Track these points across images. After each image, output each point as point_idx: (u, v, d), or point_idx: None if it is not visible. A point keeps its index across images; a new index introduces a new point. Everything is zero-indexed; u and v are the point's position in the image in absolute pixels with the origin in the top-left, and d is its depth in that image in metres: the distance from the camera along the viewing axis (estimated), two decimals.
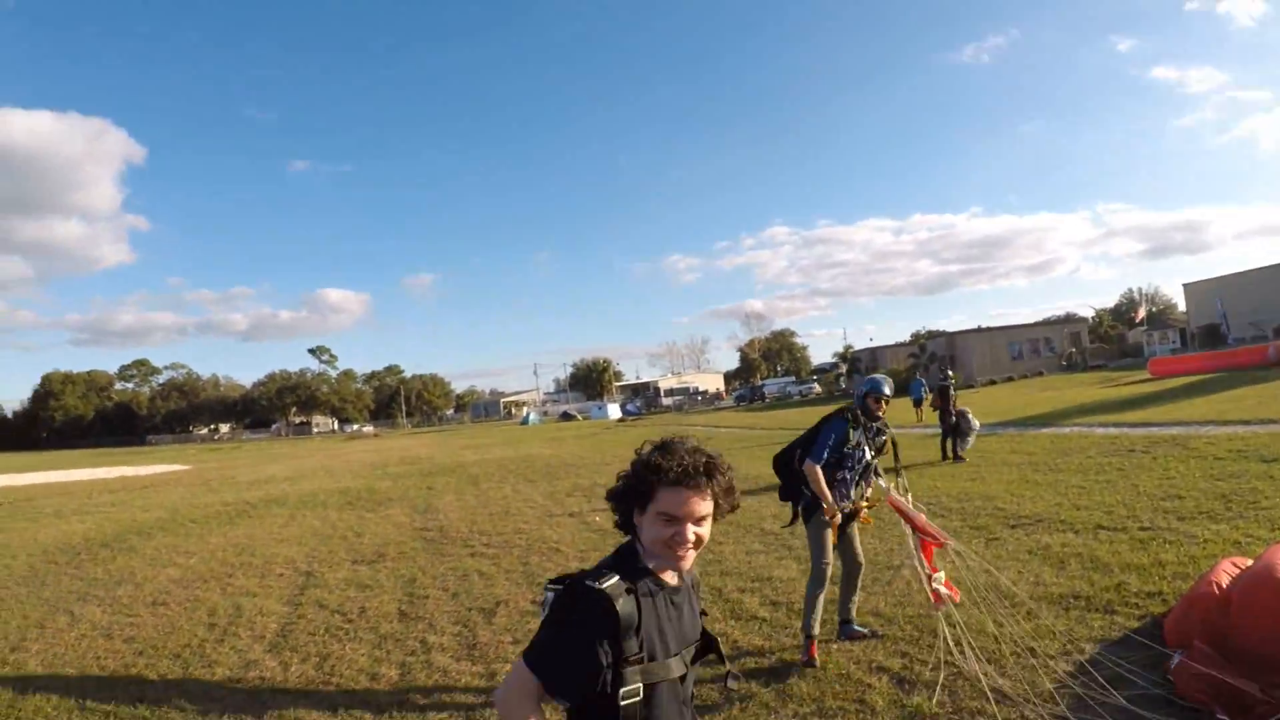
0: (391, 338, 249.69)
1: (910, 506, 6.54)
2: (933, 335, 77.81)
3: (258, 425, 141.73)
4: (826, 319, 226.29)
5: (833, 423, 6.96)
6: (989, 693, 5.33)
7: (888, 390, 7.09)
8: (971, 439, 18.33)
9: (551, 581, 2.52)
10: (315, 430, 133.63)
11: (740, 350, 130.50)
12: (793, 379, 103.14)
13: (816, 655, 6.44)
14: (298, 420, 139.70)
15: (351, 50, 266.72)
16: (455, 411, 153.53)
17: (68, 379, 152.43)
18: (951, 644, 5.91)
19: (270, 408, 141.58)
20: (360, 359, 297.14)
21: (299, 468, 36.70)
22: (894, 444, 7.45)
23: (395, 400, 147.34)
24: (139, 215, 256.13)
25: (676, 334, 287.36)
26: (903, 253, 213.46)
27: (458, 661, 7.18)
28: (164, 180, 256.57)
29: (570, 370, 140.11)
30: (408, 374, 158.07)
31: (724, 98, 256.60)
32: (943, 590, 6.05)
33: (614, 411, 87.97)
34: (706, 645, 2.73)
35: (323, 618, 9.06)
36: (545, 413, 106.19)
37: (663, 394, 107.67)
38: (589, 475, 22.47)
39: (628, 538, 2.61)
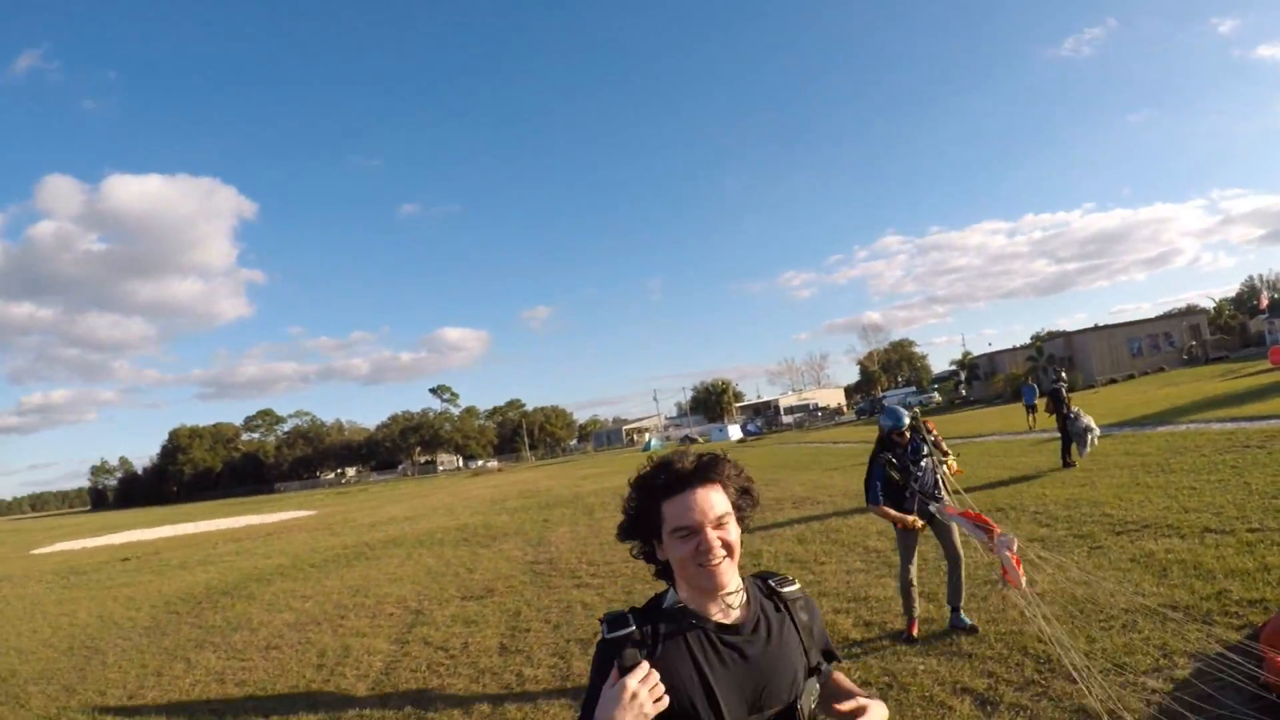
0: (512, 372, 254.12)
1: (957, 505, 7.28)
2: (1051, 336, 75.79)
3: (384, 467, 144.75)
4: (945, 326, 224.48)
5: (873, 467, 7.79)
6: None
7: (906, 422, 7.81)
8: (1092, 441, 17.53)
9: (603, 619, 2.17)
10: (440, 468, 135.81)
11: (859, 363, 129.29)
12: (913, 389, 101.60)
13: (915, 632, 7.49)
14: (423, 459, 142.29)
15: (452, 92, 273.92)
16: (579, 441, 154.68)
17: (194, 433, 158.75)
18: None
19: (395, 449, 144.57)
20: (482, 395, 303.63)
21: (420, 507, 37.34)
22: (937, 449, 8.02)
23: (518, 434, 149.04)
24: (255, 269, 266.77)
25: (795, 351, 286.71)
26: (1018, 254, 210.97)
27: (549, 694, 7.21)
28: (276, 233, 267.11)
29: (691, 393, 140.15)
30: (529, 407, 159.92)
31: (827, 111, 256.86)
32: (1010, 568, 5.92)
33: (735, 432, 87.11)
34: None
35: (426, 654, 9.17)
36: (668, 437, 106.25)
37: (782, 412, 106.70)
38: None
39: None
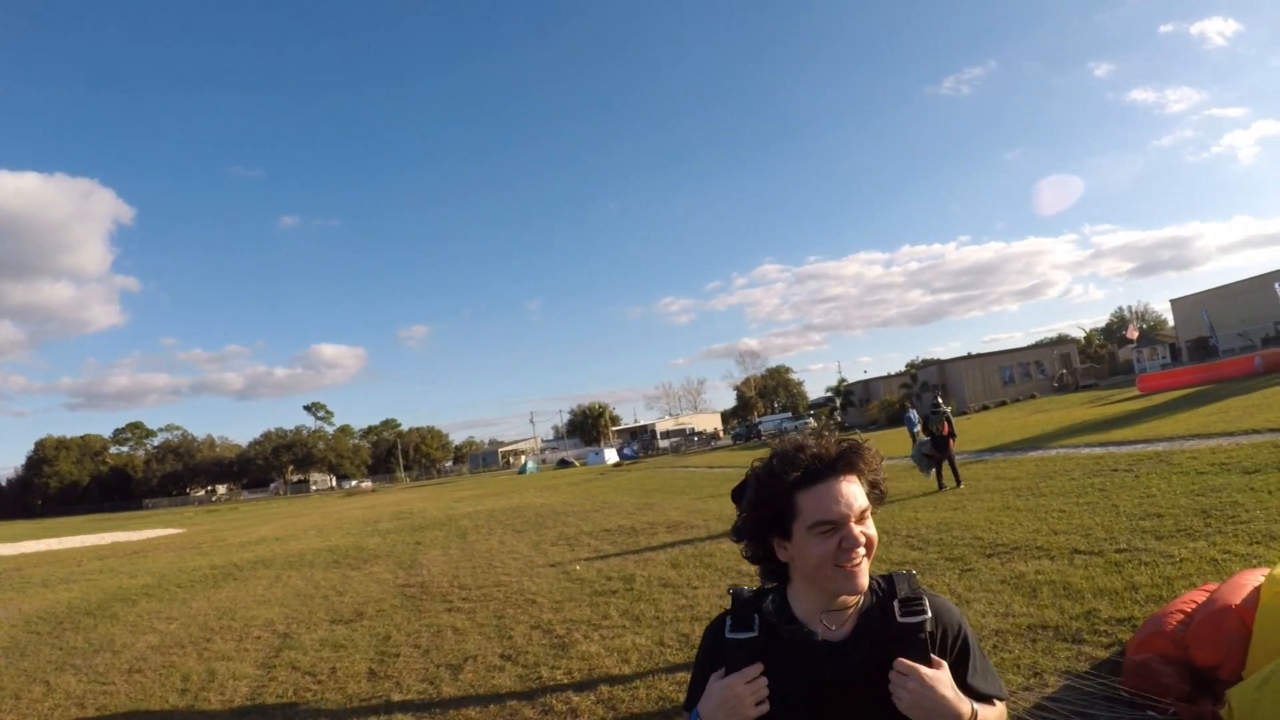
0: (389, 391, 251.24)
1: None
2: (925, 364, 78.65)
3: (255, 485, 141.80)
4: (821, 353, 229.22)
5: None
6: None
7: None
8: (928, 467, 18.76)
9: (732, 589, 2.09)
10: (314, 488, 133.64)
11: (736, 388, 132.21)
12: (789, 415, 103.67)
13: None
14: (295, 478, 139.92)
15: (335, 104, 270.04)
16: (454, 463, 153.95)
17: (61, 444, 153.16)
18: None
19: (267, 466, 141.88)
20: (358, 414, 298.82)
21: (291, 527, 36.86)
22: None
23: (393, 454, 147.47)
24: (129, 276, 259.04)
25: (673, 375, 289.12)
26: (894, 284, 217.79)
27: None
28: (154, 240, 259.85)
29: (568, 417, 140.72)
30: (405, 427, 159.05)
31: (708, 139, 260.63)
32: None
33: (611, 456, 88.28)
34: None
35: (293, 679, 9.30)
36: (544, 460, 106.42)
37: (659, 436, 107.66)
38: (575, 523, 22.55)
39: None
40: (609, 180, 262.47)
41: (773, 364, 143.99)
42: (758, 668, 1.91)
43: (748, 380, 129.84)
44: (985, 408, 62.18)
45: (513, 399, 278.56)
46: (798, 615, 2.02)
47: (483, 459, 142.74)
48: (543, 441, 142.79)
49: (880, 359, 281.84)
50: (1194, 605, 5.88)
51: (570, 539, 19.00)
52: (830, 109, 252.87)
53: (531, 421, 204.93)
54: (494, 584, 13.92)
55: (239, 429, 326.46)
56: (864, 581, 1.96)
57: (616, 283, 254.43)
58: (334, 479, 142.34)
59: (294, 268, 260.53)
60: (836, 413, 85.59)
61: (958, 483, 18.13)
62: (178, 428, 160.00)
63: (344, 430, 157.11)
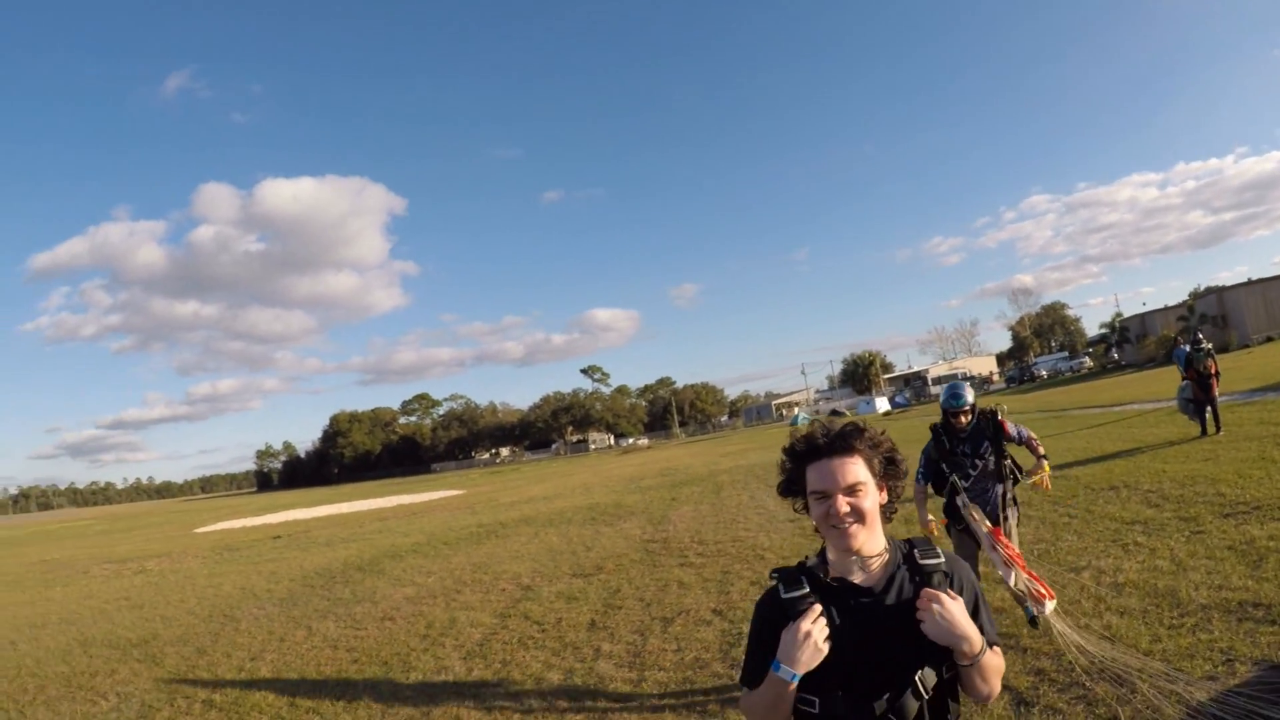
0: (663, 350, 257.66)
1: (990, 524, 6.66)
2: (1206, 293, 72.05)
3: (537, 446, 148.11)
4: (1100, 286, 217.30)
5: (926, 443, 7.25)
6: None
7: (968, 399, 7.02)
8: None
9: (774, 572, 2.48)
10: (592, 447, 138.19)
11: (1010, 329, 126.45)
12: (1065, 354, 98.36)
13: None
14: (575, 439, 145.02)
15: (588, 80, 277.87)
16: (729, 417, 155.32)
17: (354, 418, 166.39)
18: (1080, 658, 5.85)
19: (547, 429, 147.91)
20: (634, 374, 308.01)
21: (561, 486, 38.49)
22: (1004, 453, 7.11)
23: (669, 411, 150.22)
24: (407, 260, 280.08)
25: (946, 318, 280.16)
26: (1171, 206, 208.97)
27: (618, 668, 7.78)
28: (426, 226, 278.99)
29: (840, 366, 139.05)
30: (679, 384, 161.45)
31: (957, 68, 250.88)
32: (1030, 586, 6.00)
33: (882, 405, 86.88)
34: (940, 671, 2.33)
35: (522, 628, 9.89)
36: (817, 411, 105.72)
37: (930, 383, 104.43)
38: None
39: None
40: (861, 121, 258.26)
41: (1048, 300, 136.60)
42: (818, 608, 2.29)
43: (1022, 319, 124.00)
44: (1269, 339, 56.60)
45: (785, 350, 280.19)
46: (834, 567, 2.40)
47: (757, 412, 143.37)
48: (815, 392, 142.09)
49: (1163, 289, 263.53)
50: None
51: None
52: (1085, 20, 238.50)
53: (803, 373, 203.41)
54: (731, 539, 14.21)
55: (520, 395, 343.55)
56: (856, 542, 2.31)
57: (882, 226, 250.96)
58: (612, 438, 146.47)
59: (562, 238, 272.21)
60: (1112, 350, 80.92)
61: (1218, 429, 16.82)
62: (462, 396, 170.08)
63: (620, 390, 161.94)
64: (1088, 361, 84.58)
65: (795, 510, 2.49)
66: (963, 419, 7.02)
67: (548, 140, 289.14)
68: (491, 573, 14.36)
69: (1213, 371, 17.12)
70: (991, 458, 6.99)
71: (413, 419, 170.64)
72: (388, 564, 17.31)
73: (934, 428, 7.18)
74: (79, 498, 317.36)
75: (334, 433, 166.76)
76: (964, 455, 7.02)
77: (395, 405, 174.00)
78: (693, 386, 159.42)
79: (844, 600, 2.32)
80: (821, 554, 2.47)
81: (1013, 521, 7.10)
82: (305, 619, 12.31)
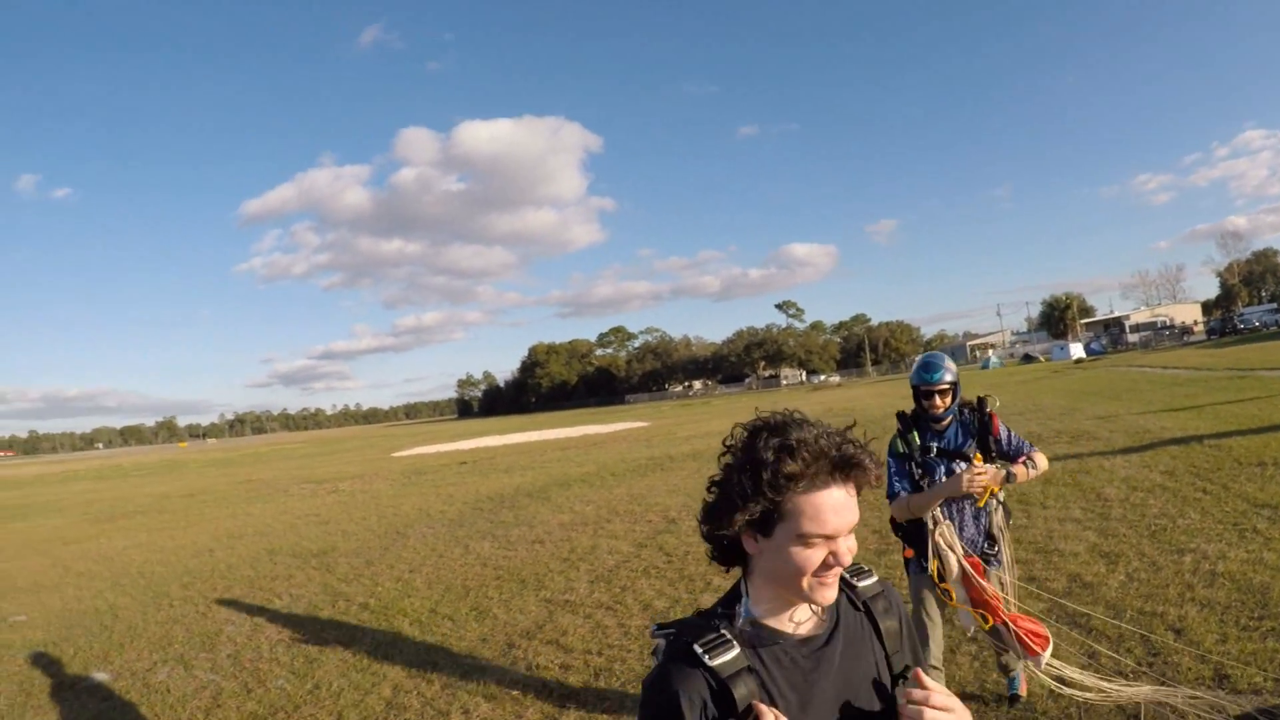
0: (860, 286, 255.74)
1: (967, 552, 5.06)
2: None
3: (729, 380, 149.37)
4: None
5: (891, 439, 5.34)
6: None
7: (945, 376, 5.18)
8: None
9: (659, 627, 1.83)
10: (784, 382, 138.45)
11: (1218, 275, 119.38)
12: (1276, 306, 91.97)
13: None
14: (767, 374, 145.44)
15: (782, 14, 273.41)
16: None
17: (551, 349, 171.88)
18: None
19: (740, 363, 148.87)
20: (830, 310, 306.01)
21: (741, 421, 39.05)
22: (991, 458, 5.14)
23: (862, 349, 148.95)
24: (605, 197, 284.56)
25: (1152, 261, 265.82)
26: None
27: (715, 599, 8.43)
28: (623, 163, 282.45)
29: (1039, 308, 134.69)
30: (875, 322, 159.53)
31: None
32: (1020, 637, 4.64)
33: (1076, 351, 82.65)
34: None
35: (653, 558, 10.71)
36: (1012, 354, 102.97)
37: (1127, 330, 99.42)
38: None
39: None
40: (1064, 51, 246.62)
41: (1260, 246, 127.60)
42: (769, 714, 1.59)
43: (1230, 266, 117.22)
44: None
45: (984, 290, 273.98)
46: (765, 619, 1.77)
47: (951, 353, 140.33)
48: (1013, 334, 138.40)
49: None
50: None
51: None
52: None
53: (999, 314, 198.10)
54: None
55: (714, 329, 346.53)
56: (831, 597, 1.72)
57: (1087, 161, 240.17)
58: (804, 374, 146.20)
59: (759, 173, 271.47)
60: None
61: None
62: (657, 330, 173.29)
63: (815, 326, 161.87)
64: None
65: (704, 536, 1.82)
66: (938, 402, 5.19)
67: (743, 75, 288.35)
68: (644, 504, 15.25)
69: None
70: (968, 465, 5.04)
71: (608, 351, 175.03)
72: (555, 492, 18.53)
73: (902, 415, 5.42)
74: (290, 423, 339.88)
75: (532, 363, 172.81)
76: (936, 456, 5.18)
77: (592, 338, 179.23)
78: (887, 324, 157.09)
79: (797, 659, 1.73)
80: (730, 601, 1.81)
81: (1005, 553, 5.28)
82: (466, 539, 13.55)
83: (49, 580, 13.70)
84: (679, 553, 10.83)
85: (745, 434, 1.77)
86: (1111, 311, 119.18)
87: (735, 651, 1.67)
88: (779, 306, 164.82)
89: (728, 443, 1.81)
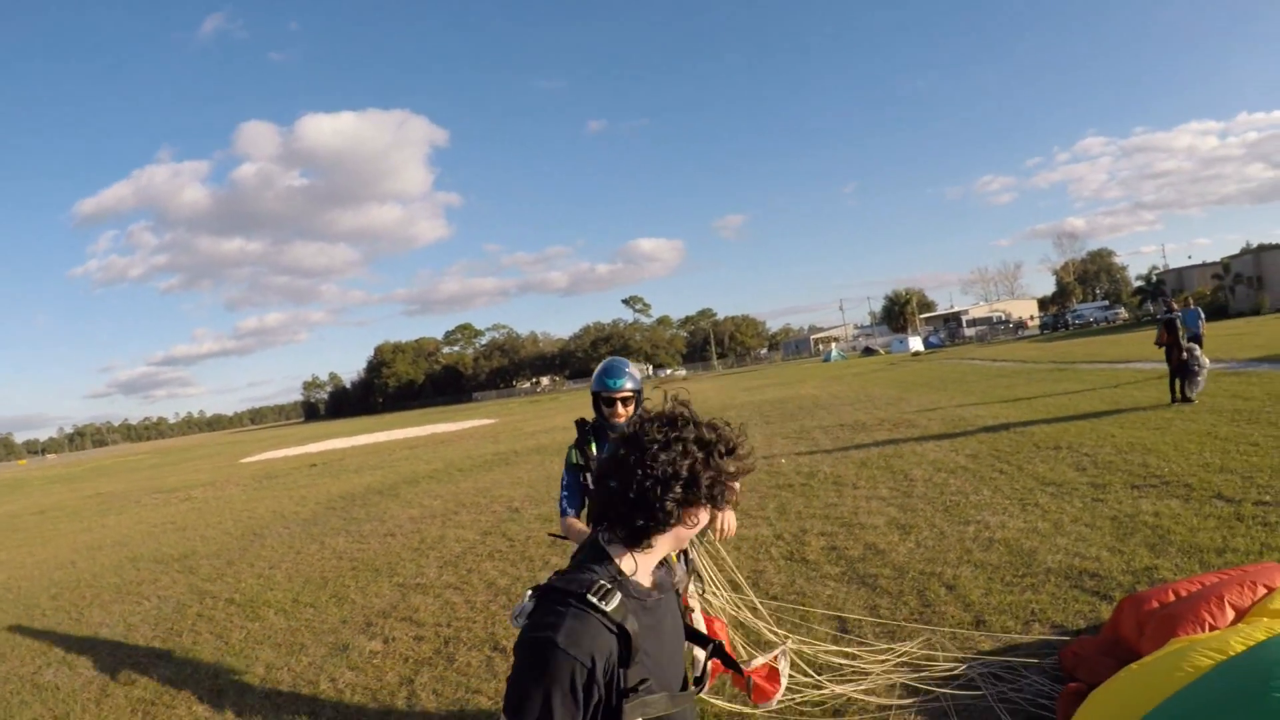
0: (707, 281, 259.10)
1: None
2: (1243, 253, 70.19)
3: (577, 375, 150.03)
4: (1155, 234, 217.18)
5: (568, 451, 5.09)
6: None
7: (627, 384, 4.91)
8: (1201, 380, 16.90)
9: (535, 589, 2.09)
10: None
11: (1054, 273, 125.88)
12: (1106, 303, 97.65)
13: None
14: None
15: (630, 8, 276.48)
16: (768, 351, 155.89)
17: (398, 348, 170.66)
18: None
19: (586, 359, 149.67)
20: (677, 305, 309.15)
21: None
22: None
23: (708, 343, 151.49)
24: (450, 192, 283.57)
25: (995, 258, 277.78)
26: (1231, 158, 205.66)
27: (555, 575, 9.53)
28: (469, 157, 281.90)
29: (882, 303, 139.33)
30: (721, 316, 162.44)
31: (1016, 3, 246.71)
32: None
33: (915, 344, 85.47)
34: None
35: (495, 544, 11.77)
36: (854, 348, 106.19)
37: (964, 324, 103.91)
38: (822, 416, 24.10)
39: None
40: (916, 54, 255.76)
41: (1098, 245, 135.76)
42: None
43: (1066, 264, 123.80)
44: None
45: (830, 285, 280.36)
46: (630, 573, 2.12)
47: (795, 346, 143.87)
48: (856, 328, 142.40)
49: (1220, 240, 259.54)
50: (1190, 590, 5.00)
51: (805, 432, 20.43)
52: None
53: (840, 309, 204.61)
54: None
55: (562, 325, 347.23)
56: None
57: (933, 162, 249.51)
58: (651, 368, 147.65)
59: (607, 168, 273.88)
60: (1147, 303, 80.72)
61: (1184, 398, 16.80)
62: (504, 326, 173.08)
63: (662, 321, 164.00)
64: (1123, 313, 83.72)
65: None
66: (619, 410, 4.92)
67: (591, 70, 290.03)
68: (490, 496, 16.25)
69: (1169, 340, 17.41)
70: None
71: (455, 349, 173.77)
72: (404, 489, 19.40)
73: (581, 424, 5.13)
74: (133, 433, 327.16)
75: (378, 363, 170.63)
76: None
77: (439, 336, 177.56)
78: (733, 319, 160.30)
79: (652, 607, 2.14)
80: (598, 560, 2.14)
81: (705, 570, 5.52)
82: (321, 535, 14.38)
83: None
84: (521, 538, 11.89)
85: (672, 427, 2.12)
86: (952, 306, 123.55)
87: (619, 597, 1.99)
88: (626, 302, 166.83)
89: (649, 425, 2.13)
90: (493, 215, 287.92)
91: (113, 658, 8.74)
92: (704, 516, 2.12)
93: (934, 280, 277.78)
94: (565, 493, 4.95)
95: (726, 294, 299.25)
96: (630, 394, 4.90)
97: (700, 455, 2.04)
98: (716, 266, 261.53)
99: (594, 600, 1.95)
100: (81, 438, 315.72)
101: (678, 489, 2.02)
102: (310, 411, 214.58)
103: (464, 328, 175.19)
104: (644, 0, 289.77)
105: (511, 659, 2.00)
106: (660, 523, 2.05)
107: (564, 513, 4.90)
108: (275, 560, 12.76)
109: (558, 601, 1.99)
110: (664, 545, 2.15)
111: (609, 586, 1.99)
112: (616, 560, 2.11)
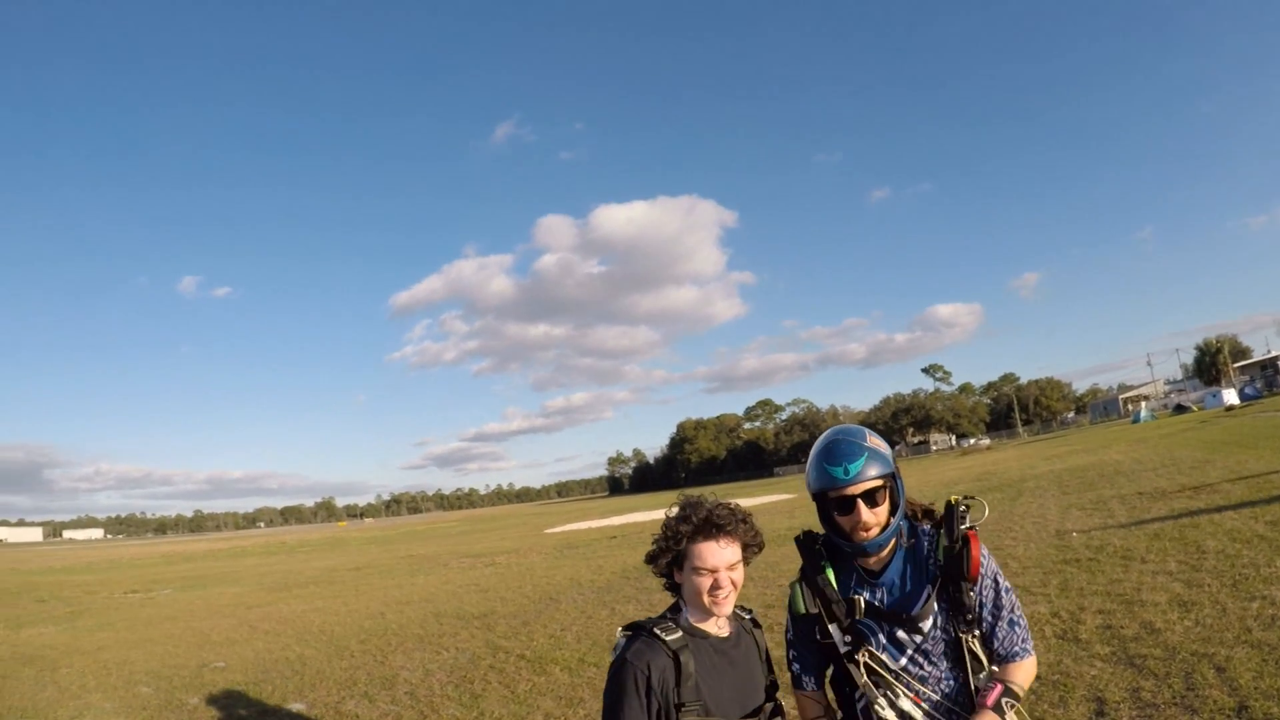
0: (1007, 344, 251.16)
1: None
2: None
3: None
4: None
5: (789, 596, 3.13)
6: None
7: (869, 468, 2.83)
8: None
9: (625, 628, 2.92)
10: (933, 448, 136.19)
11: None
12: None
13: None
14: (915, 440, 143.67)
15: (907, 77, 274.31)
16: (1075, 414, 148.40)
17: (699, 425, 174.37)
18: None
19: (888, 430, 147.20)
20: (978, 371, 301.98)
21: None
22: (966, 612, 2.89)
23: (1011, 409, 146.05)
24: (744, 271, 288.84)
25: None
26: None
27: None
28: (758, 236, 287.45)
29: (1193, 354, 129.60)
30: (1023, 380, 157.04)
31: None
32: None
33: (1229, 397, 76.36)
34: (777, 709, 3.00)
35: (776, 618, 11.62)
36: (1165, 405, 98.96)
37: None
38: (1124, 484, 22.14)
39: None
40: (1197, 83, 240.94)
41: None
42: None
43: None
44: None
45: (1135, 339, 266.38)
46: (695, 623, 2.91)
47: (1103, 407, 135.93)
48: (1166, 383, 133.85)
49: None
50: None
51: (1101, 503, 18.88)
52: None
53: (1149, 364, 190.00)
54: (996, 537, 15.46)
55: (862, 397, 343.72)
56: (727, 610, 2.90)
57: (1230, 191, 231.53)
58: (954, 438, 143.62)
59: (897, 235, 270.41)
60: None
61: None
62: (804, 401, 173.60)
63: (964, 389, 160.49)
64: None
65: (655, 573, 3.01)
66: (864, 516, 2.82)
67: (868, 140, 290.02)
68: (777, 571, 16.07)
69: None
70: (941, 617, 2.88)
71: (756, 424, 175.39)
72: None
73: (805, 542, 3.14)
74: (445, 502, 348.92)
75: (681, 439, 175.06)
76: (875, 609, 2.95)
77: (740, 412, 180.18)
78: (1036, 382, 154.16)
79: (713, 652, 2.84)
80: (674, 612, 2.97)
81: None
82: (613, 602, 14.93)
83: (239, 636, 15.52)
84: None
85: (673, 507, 2.99)
86: (1269, 351, 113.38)
87: (680, 632, 2.78)
88: (926, 370, 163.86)
89: (666, 511, 2.99)
90: (787, 291, 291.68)
91: (410, 696, 9.51)
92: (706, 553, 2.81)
93: (1248, 324, 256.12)
94: (793, 652, 3.15)
95: (1029, 356, 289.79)
96: (880, 482, 2.87)
97: (666, 529, 2.92)
98: (1017, 328, 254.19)
99: (657, 632, 2.76)
100: (397, 504, 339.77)
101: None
102: (614, 486, 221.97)
103: (764, 403, 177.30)
104: (908, 71, 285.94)
105: None
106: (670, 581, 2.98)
107: (798, 684, 3.12)
108: (567, 623, 13.35)
109: (634, 634, 2.83)
110: (692, 597, 2.87)
111: (672, 624, 2.82)
112: (685, 611, 2.93)
